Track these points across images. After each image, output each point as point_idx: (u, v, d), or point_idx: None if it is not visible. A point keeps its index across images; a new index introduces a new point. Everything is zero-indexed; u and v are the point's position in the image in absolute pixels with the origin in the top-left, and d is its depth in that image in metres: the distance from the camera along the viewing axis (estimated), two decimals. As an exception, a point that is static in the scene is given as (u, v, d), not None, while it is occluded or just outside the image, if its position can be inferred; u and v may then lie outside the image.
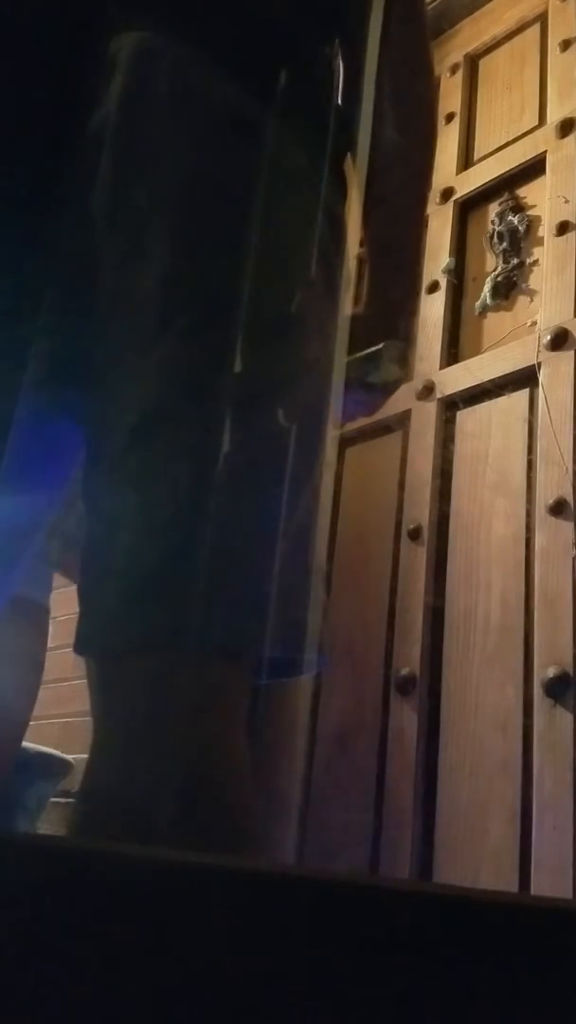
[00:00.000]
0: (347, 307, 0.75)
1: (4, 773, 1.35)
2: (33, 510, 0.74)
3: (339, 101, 0.78)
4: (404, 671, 1.46)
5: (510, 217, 1.68)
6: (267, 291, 0.64)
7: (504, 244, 1.67)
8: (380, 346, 0.79)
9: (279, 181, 0.68)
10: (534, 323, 1.54)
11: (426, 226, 1.85)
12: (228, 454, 0.59)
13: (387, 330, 0.81)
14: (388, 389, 0.83)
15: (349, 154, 0.81)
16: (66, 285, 0.65)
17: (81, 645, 0.60)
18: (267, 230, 0.65)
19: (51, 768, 1.75)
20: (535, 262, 1.62)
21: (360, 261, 0.91)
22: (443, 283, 1.75)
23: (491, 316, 1.67)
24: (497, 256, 1.68)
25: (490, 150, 1.80)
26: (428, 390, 1.65)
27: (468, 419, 1.59)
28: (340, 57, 0.77)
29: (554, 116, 1.68)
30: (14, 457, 0.69)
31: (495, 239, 1.70)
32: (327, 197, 0.72)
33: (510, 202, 1.70)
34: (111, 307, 0.65)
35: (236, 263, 0.64)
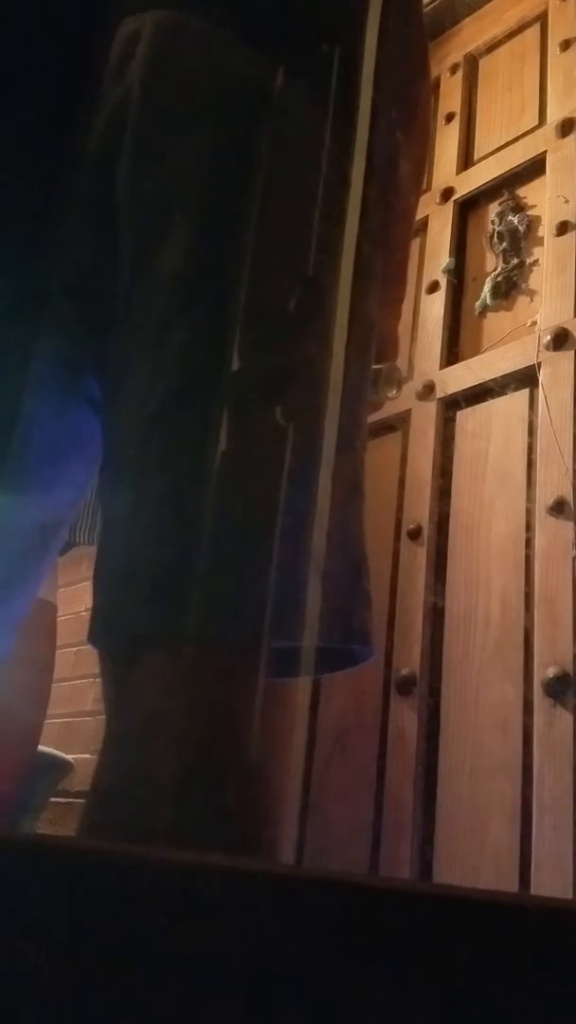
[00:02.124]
0: (368, 301, 0.75)
1: (22, 776, 1.36)
2: (60, 507, 0.74)
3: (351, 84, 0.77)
4: (404, 671, 1.46)
5: (510, 217, 1.68)
6: (287, 283, 0.63)
7: (504, 244, 1.67)
8: (383, 366, 0.80)
9: (306, 163, 0.67)
10: (534, 323, 1.54)
11: (425, 227, 1.85)
12: (245, 449, 0.58)
13: (384, 349, 0.80)
14: (379, 406, 0.83)
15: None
16: (87, 269, 0.65)
17: (93, 636, 0.60)
18: (292, 215, 0.65)
19: (51, 768, 1.75)
20: (535, 262, 1.62)
21: None
22: (443, 283, 1.75)
23: (491, 316, 1.67)
24: (497, 256, 1.68)
25: (490, 150, 1.81)
26: (428, 390, 1.65)
27: (468, 419, 1.59)
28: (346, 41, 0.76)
29: (554, 116, 1.68)
30: (36, 451, 0.69)
31: (495, 239, 1.70)
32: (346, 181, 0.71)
33: (510, 202, 1.70)
34: (130, 293, 0.64)
35: (257, 249, 0.63)
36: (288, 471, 0.60)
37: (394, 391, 0.82)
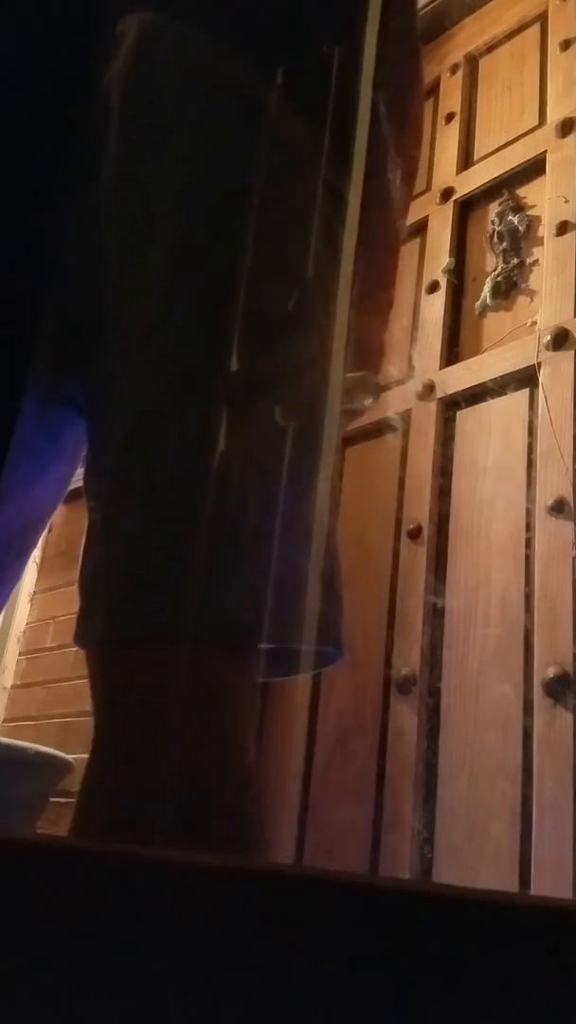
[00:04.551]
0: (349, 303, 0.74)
1: None
2: (37, 506, 0.74)
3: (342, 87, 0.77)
4: (404, 671, 1.46)
5: (510, 217, 1.68)
6: (269, 285, 0.64)
7: (504, 244, 1.67)
8: (358, 375, 0.79)
9: (285, 166, 0.67)
10: (534, 323, 1.54)
11: (425, 227, 1.85)
12: (229, 450, 0.58)
13: (364, 359, 0.79)
14: (356, 414, 0.82)
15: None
16: (68, 273, 0.65)
17: (81, 638, 0.60)
18: (272, 218, 0.65)
19: (51, 768, 1.75)
20: (535, 262, 1.62)
21: None
22: (443, 283, 1.75)
23: (491, 316, 1.67)
24: (497, 256, 1.68)
25: (490, 150, 1.80)
26: (428, 390, 1.65)
27: (468, 419, 1.59)
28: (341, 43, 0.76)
29: (554, 116, 1.68)
30: (17, 453, 0.69)
31: (495, 239, 1.70)
32: (333, 186, 0.71)
33: (510, 202, 1.70)
34: (113, 297, 0.65)
35: (238, 252, 0.63)
36: (272, 474, 0.60)
37: (369, 400, 0.81)
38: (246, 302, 0.62)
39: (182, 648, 0.56)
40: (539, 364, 1.48)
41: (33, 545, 0.78)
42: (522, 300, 1.62)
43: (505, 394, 1.53)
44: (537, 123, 1.72)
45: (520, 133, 1.75)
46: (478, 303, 1.68)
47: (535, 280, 1.61)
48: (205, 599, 0.56)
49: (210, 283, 0.63)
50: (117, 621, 0.58)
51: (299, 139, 0.69)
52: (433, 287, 1.76)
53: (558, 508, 1.36)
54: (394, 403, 1.69)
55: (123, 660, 0.58)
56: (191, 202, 0.65)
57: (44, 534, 2.57)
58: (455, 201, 1.82)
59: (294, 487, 0.62)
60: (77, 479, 0.73)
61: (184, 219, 0.64)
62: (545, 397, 1.45)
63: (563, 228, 1.56)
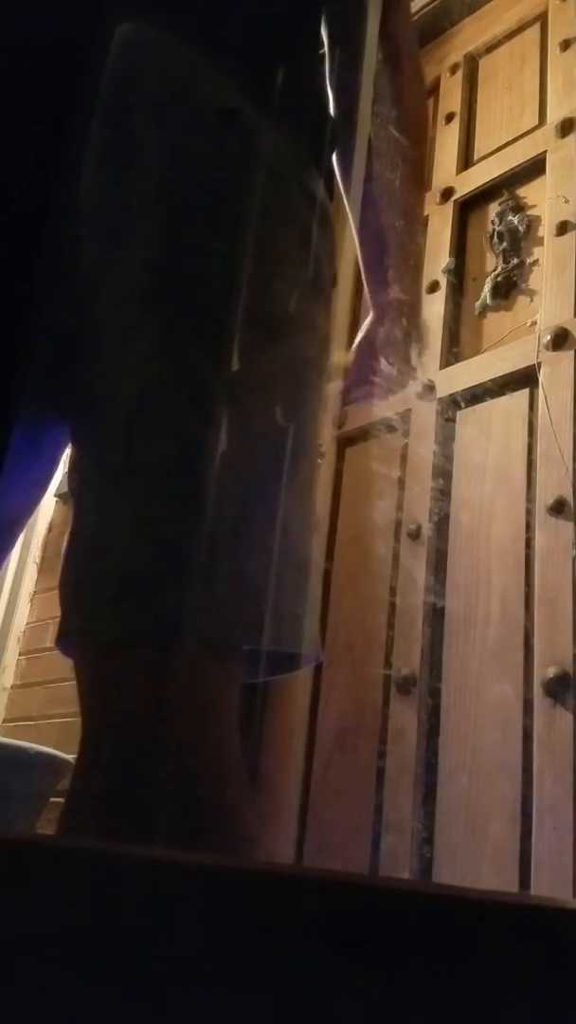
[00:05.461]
0: (337, 305, 0.75)
1: None
2: (14, 507, 0.74)
3: (329, 97, 0.78)
4: (404, 671, 1.46)
5: (510, 217, 1.68)
6: (257, 287, 0.64)
7: (504, 244, 1.67)
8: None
9: (268, 174, 0.68)
10: (534, 323, 1.54)
11: (425, 227, 1.85)
12: (223, 450, 0.59)
13: (397, 313, 0.80)
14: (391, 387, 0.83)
15: (337, 151, 0.81)
16: (51, 277, 0.65)
17: (65, 640, 0.60)
18: (256, 223, 0.65)
19: (51, 768, 1.75)
20: (535, 262, 1.62)
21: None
22: (443, 283, 1.75)
23: (491, 316, 1.67)
24: (497, 256, 1.68)
25: (490, 150, 1.80)
26: (428, 390, 1.65)
27: (468, 419, 1.59)
28: (332, 52, 0.77)
29: (554, 116, 1.68)
30: None
31: (495, 239, 1.70)
32: (317, 192, 0.72)
33: (510, 202, 1.70)
34: (96, 300, 0.65)
35: (223, 255, 0.64)
36: (253, 478, 0.61)
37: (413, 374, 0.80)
38: (231, 304, 0.62)
39: (169, 649, 0.56)
40: (539, 364, 1.48)
41: (11, 546, 0.78)
42: (522, 300, 1.62)
43: (505, 394, 1.53)
44: (537, 123, 1.72)
45: (520, 133, 1.75)
46: (478, 303, 1.68)
47: (535, 280, 1.61)
48: (197, 600, 0.56)
49: (194, 285, 0.63)
50: (106, 622, 0.58)
51: (284, 149, 0.70)
52: (433, 287, 1.76)
53: (558, 508, 1.36)
54: (394, 403, 1.69)
55: (112, 661, 0.58)
56: (170, 212, 0.65)
57: (44, 534, 2.57)
58: (455, 201, 1.82)
59: (290, 490, 0.62)
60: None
61: (165, 224, 0.65)
62: (545, 397, 1.45)
63: (563, 228, 1.56)
